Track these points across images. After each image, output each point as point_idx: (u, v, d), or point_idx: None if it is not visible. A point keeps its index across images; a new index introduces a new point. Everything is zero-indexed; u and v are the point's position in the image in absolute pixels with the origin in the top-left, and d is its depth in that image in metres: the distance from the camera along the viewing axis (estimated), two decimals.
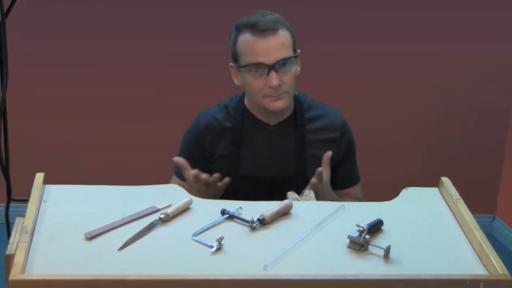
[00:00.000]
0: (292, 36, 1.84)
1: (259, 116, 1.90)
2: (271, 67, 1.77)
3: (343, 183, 2.00)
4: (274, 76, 1.77)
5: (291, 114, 1.92)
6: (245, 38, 1.79)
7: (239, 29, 1.82)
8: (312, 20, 3.03)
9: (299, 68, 1.88)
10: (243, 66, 1.81)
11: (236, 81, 1.88)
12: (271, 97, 1.81)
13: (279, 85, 1.78)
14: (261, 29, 1.77)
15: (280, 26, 1.80)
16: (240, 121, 1.90)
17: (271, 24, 1.78)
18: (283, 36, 1.79)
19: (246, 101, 1.92)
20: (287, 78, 1.80)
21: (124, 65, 3.19)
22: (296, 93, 1.93)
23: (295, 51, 1.84)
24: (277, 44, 1.78)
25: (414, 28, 3.22)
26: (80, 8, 3.11)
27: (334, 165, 1.96)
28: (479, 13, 3.22)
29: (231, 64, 1.87)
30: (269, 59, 1.77)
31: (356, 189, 2.03)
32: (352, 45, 3.19)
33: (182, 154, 1.95)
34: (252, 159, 1.90)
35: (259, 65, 1.78)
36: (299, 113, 1.92)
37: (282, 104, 1.83)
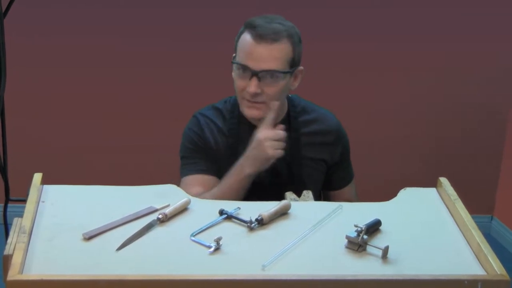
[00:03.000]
0: (294, 51, 1.80)
1: (253, 120, 1.89)
2: (255, 73, 1.76)
3: (338, 184, 2.02)
4: (254, 83, 1.76)
5: (285, 118, 1.91)
6: (245, 38, 1.79)
7: (245, 26, 1.81)
8: (312, 20, 3.03)
9: (295, 83, 1.86)
10: (234, 63, 1.81)
11: (233, 75, 1.87)
12: (248, 102, 1.80)
13: (256, 94, 1.77)
14: (259, 34, 1.75)
15: (281, 38, 1.76)
16: (236, 124, 1.89)
17: (271, 33, 1.75)
18: (280, 49, 1.76)
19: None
20: (270, 89, 1.78)
21: (124, 65, 3.19)
22: (289, 96, 1.92)
23: (292, 66, 1.81)
24: (269, 54, 1.75)
25: (414, 28, 3.22)
26: (80, 8, 3.11)
27: (329, 168, 1.96)
28: (479, 13, 3.22)
29: (234, 55, 1.86)
30: (255, 65, 1.75)
31: (350, 187, 2.04)
32: (352, 45, 3.19)
33: (185, 149, 1.93)
34: None
35: (245, 68, 1.77)
36: (293, 117, 1.91)
37: (256, 113, 1.81)
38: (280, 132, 1.76)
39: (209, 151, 1.90)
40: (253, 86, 1.76)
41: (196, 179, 1.86)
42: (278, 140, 1.75)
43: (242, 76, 1.78)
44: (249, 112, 1.81)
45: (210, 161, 1.89)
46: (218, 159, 1.89)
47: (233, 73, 1.84)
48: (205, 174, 1.85)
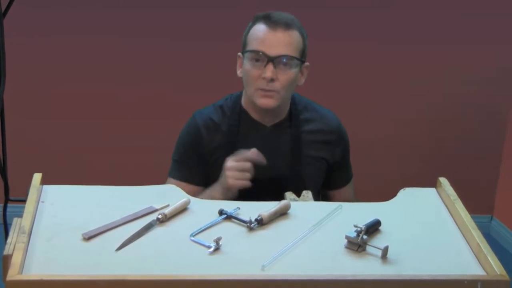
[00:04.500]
0: (304, 43, 1.83)
1: (255, 116, 1.90)
2: (270, 59, 1.77)
3: (337, 183, 2.02)
4: (270, 68, 1.77)
5: (286, 115, 1.91)
6: (257, 27, 1.81)
7: (255, 19, 1.84)
8: (312, 20, 3.03)
9: (302, 79, 1.88)
10: (246, 51, 1.82)
11: (239, 72, 1.88)
12: (262, 91, 1.80)
13: (272, 80, 1.78)
14: (273, 21, 1.79)
15: (293, 27, 1.80)
16: (237, 121, 1.90)
17: (285, 20, 1.80)
18: (293, 36, 1.80)
19: (242, 101, 1.92)
20: (283, 77, 1.79)
21: (124, 65, 3.19)
22: (292, 94, 1.92)
23: (302, 56, 1.83)
24: (284, 40, 1.78)
25: (414, 28, 3.23)
26: (80, 8, 3.11)
27: (330, 167, 1.96)
28: (479, 13, 3.22)
29: (239, 54, 1.88)
30: (271, 51, 1.77)
31: (348, 187, 2.04)
32: (352, 45, 3.19)
33: (177, 152, 1.95)
34: None
35: (260, 54, 1.78)
36: (295, 114, 1.91)
37: (271, 102, 1.82)
38: (246, 164, 1.76)
39: (201, 157, 1.91)
40: (269, 71, 1.77)
41: (179, 186, 1.88)
42: (243, 171, 1.76)
43: (256, 64, 1.80)
44: (263, 101, 1.82)
45: (199, 169, 1.92)
46: (215, 160, 1.89)
47: (243, 66, 1.84)
48: (188, 183, 1.86)
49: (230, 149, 1.88)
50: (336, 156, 1.96)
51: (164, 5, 3.13)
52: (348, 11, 3.18)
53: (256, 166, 1.88)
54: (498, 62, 3.34)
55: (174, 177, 1.93)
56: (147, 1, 3.13)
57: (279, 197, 1.64)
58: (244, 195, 1.70)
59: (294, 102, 1.93)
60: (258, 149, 1.89)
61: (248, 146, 1.89)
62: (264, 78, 1.78)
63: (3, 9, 1.74)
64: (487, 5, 3.22)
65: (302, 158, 1.91)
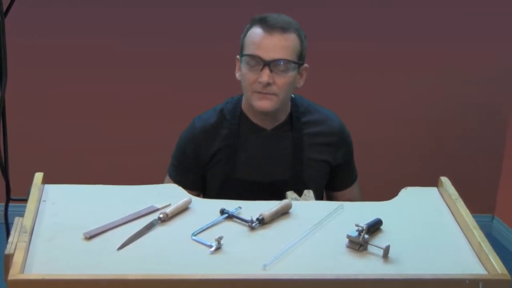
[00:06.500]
0: (302, 45, 1.82)
1: (255, 120, 1.89)
2: (266, 64, 1.76)
3: (341, 185, 2.01)
4: (266, 72, 1.76)
5: (287, 118, 1.90)
6: (254, 31, 1.80)
7: (253, 22, 1.83)
8: (312, 20, 3.03)
9: (301, 81, 1.87)
10: (243, 55, 1.81)
11: (238, 75, 1.87)
12: (259, 94, 1.80)
13: (268, 84, 1.77)
14: (270, 25, 1.78)
15: (290, 30, 1.79)
16: (237, 124, 1.89)
17: (281, 23, 1.78)
18: (290, 39, 1.78)
19: (242, 104, 1.91)
20: (280, 80, 1.78)
21: (124, 65, 3.19)
22: (292, 96, 1.91)
23: (300, 59, 1.82)
24: (280, 44, 1.77)
25: (414, 28, 3.22)
26: (80, 8, 3.11)
27: (332, 169, 1.96)
28: (479, 13, 3.22)
29: (237, 56, 1.87)
30: (267, 55, 1.77)
31: (353, 188, 2.03)
32: (352, 45, 3.19)
33: (175, 158, 1.95)
34: (248, 163, 1.88)
35: (256, 59, 1.78)
36: (296, 117, 1.90)
37: (267, 105, 1.80)
38: None
39: (198, 164, 1.91)
40: (265, 75, 1.76)
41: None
42: None
43: (253, 68, 1.79)
44: (261, 103, 1.81)
45: (194, 174, 1.92)
46: (215, 163, 1.89)
47: (241, 69, 1.83)
48: (183, 187, 1.81)
49: (230, 153, 1.88)
50: (338, 159, 1.95)
51: (164, 5, 3.13)
52: (348, 11, 3.18)
53: (257, 169, 1.88)
54: (498, 62, 3.34)
55: (171, 177, 1.95)
56: (147, 1, 3.13)
57: (280, 199, 1.63)
58: (245, 198, 1.69)
59: (295, 104, 1.92)
60: (258, 152, 1.89)
61: (248, 150, 1.89)
62: (260, 82, 1.77)
63: (4, 9, 1.74)
64: (487, 5, 3.22)
65: (303, 161, 1.90)
